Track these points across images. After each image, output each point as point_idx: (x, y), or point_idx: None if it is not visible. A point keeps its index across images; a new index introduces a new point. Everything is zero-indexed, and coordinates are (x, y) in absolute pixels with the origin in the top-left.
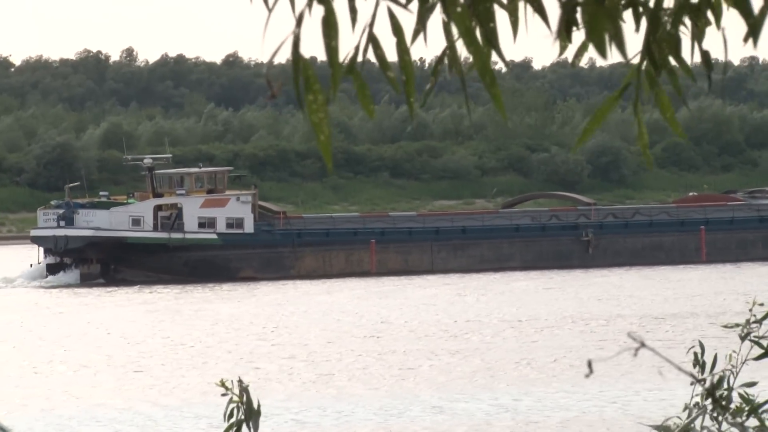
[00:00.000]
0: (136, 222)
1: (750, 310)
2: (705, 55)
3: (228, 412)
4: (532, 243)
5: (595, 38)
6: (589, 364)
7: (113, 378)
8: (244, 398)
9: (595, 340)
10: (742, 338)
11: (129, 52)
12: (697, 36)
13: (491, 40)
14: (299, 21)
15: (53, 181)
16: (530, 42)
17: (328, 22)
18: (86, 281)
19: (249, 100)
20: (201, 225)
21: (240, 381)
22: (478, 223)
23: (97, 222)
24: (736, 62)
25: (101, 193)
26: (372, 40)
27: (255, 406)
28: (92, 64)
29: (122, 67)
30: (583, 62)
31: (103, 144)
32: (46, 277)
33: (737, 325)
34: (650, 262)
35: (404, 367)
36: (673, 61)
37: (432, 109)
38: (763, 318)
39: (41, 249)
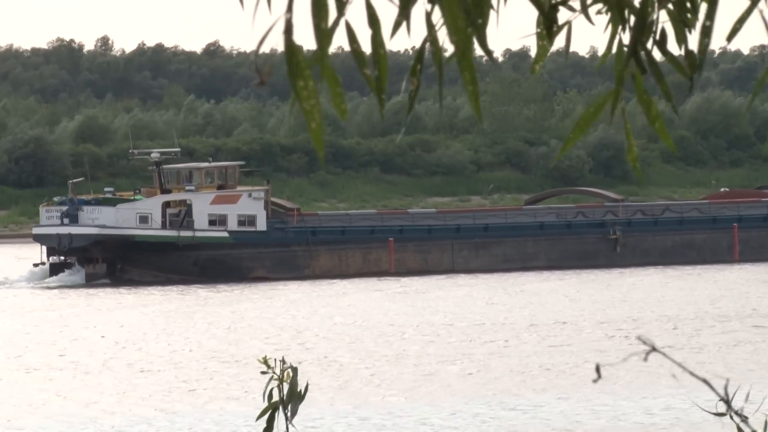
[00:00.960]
0: (144, 219)
1: None
2: (689, 54)
3: (267, 393)
4: (557, 241)
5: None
6: (597, 369)
7: (116, 382)
8: (286, 378)
9: (622, 345)
10: None
11: (104, 41)
12: (682, 36)
13: (478, 29)
14: (290, 5)
15: (25, 177)
16: (528, 30)
17: (318, 4)
18: (91, 281)
19: (231, 91)
20: (211, 222)
21: (283, 360)
22: (501, 220)
23: (102, 219)
24: (745, 51)
25: (106, 189)
26: (348, 32)
27: (299, 388)
28: (65, 53)
29: (97, 57)
30: (584, 51)
31: (77, 138)
32: (50, 277)
33: None
34: (681, 261)
35: (427, 372)
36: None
37: (425, 101)
38: None
39: (44, 248)
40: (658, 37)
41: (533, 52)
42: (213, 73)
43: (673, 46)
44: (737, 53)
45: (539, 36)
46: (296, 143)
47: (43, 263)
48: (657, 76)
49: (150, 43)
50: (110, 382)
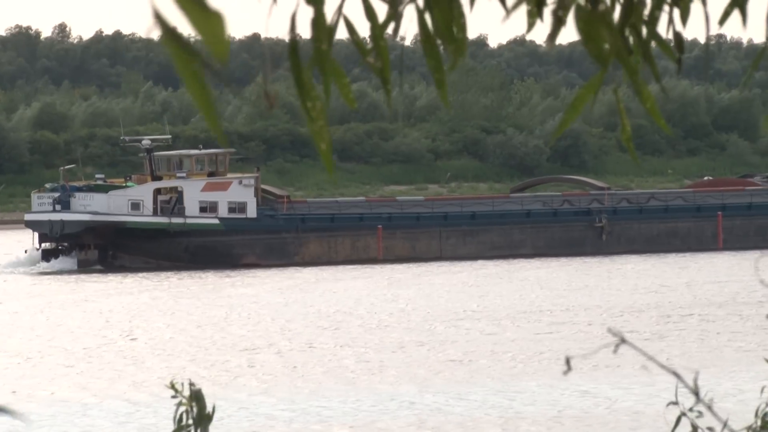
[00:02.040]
0: (136, 206)
1: None
2: (677, 36)
3: (177, 417)
4: (543, 229)
5: (593, 49)
6: (567, 362)
7: (102, 368)
8: (195, 402)
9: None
10: None
11: (62, 29)
12: (673, 17)
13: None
14: (293, 25)
15: None
16: (485, 18)
17: (317, 25)
18: (83, 268)
19: None
20: (202, 209)
21: (191, 383)
22: (488, 208)
23: (94, 206)
24: (702, 40)
25: (97, 175)
26: (347, 25)
27: (206, 410)
28: (23, 40)
29: (55, 44)
30: (541, 40)
31: (35, 125)
32: (41, 263)
33: None
34: (665, 249)
35: (404, 361)
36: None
37: (381, 89)
38: None
39: (35, 234)
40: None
41: (491, 41)
42: (171, 60)
43: (661, 29)
44: (694, 42)
45: (530, 14)
46: (254, 131)
47: (36, 249)
48: (647, 57)
49: (108, 30)
50: (97, 368)
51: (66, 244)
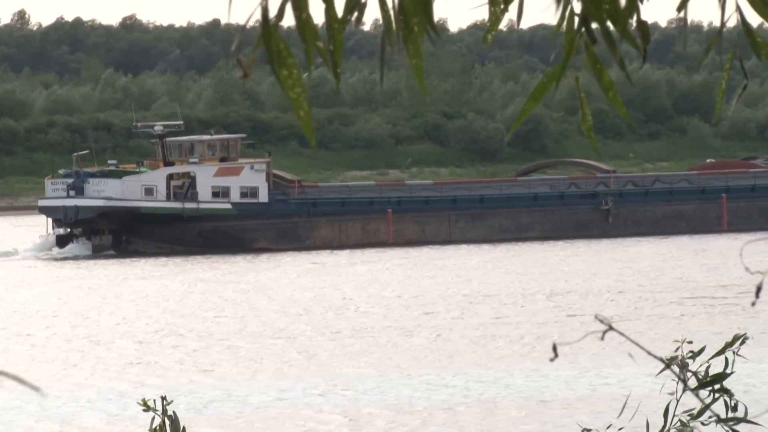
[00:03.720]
0: (149, 191)
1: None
2: (642, 25)
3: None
4: (551, 212)
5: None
6: (554, 348)
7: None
8: (167, 418)
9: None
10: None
11: (21, 15)
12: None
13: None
14: None
15: None
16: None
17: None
18: (98, 253)
19: (149, 65)
20: (215, 194)
21: (164, 399)
22: (496, 192)
23: (108, 191)
24: (663, 24)
25: (110, 161)
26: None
27: (178, 426)
28: None
29: (14, 31)
30: (503, 24)
31: None
32: (55, 248)
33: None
34: (671, 232)
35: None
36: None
37: (342, 74)
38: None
39: (49, 219)
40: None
41: (450, 25)
42: (131, 46)
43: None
44: (654, 26)
45: (493, 2)
46: (214, 117)
47: (49, 234)
48: (610, 45)
49: (68, 17)
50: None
51: (80, 229)
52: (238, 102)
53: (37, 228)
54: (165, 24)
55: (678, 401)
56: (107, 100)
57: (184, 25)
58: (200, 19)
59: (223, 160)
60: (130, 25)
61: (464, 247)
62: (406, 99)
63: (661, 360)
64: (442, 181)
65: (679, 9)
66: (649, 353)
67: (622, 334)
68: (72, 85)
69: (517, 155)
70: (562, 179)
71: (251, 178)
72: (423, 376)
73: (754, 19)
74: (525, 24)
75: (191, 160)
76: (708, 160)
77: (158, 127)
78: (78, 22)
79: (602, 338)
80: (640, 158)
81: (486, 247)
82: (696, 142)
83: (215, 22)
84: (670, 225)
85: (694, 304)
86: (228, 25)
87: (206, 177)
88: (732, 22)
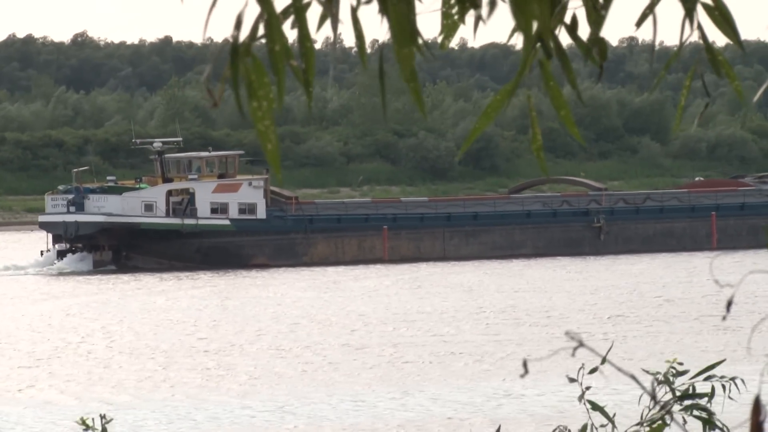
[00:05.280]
0: (149, 207)
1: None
2: (600, 42)
3: None
4: (543, 229)
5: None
6: (525, 364)
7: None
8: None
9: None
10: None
11: None
12: (596, 21)
13: (413, 26)
14: (238, 24)
15: None
16: None
17: (270, 25)
18: (98, 268)
19: (100, 82)
20: (213, 211)
21: (103, 417)
22: (490, 209)
23: (108, 207)
24: (614, 43)
25: (109, 177)
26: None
27: None
28: None
29: None
30: (454, 43)
31: None
32: (56, 262)
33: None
34: (662, 249)
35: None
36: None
37: (293, 92)
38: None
39: (50, 235)
40: (569, 22)
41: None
42: (82, 63)
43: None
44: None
45: (446, 12)
46: (165, 134)
47: (48, 250)
48: (563, 62)
49: (20, 34)
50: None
51: (80, 245)
52: (190, 119)
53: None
54: (116, 41)
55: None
56: (58, 117)
57: (136, 42)
58: (152, 36)
59: (221, 176)
60: (81, 42)
61: (459, 263)
62: (357, 117)
63: (632, 377)
64: (437, 198)
65: (638, 25)
66: (620, 369)
67: (592, 350)
68: (23, 102)
69: (468, 174)
70: (554, 197)
71: (249, 194)
72: (389, 394)
73: (714, 37)
74: (477, 43)
75: (190, 176)
76: (697, 178)
77: (157, 144)
78: (29, 38)
79: (573, 354)
80: (591, 178)
81: (478, 263)
82: (647, 161)
83: (167, 40)
84: (661, 243)
85: (673, 321)
86: (179, 43)
87: (205, 193)
88: (691, 38)
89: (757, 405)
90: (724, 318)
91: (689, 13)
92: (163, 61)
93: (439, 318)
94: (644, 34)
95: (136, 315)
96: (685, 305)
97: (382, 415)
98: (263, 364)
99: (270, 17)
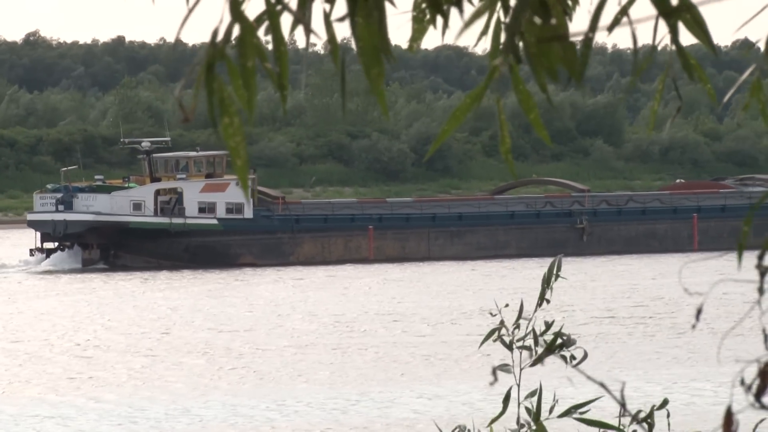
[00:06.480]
0: (137, 207)
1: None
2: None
3: None
4: (527, 230)
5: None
6: (494, 372)
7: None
8: None
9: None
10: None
11: None
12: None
13: (381, 28)
14: (213, 40)
15: None
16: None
17: (243, 42)
18: (87, 267)
19: (52, 82)
20: (201, 210)
21: None
22: (474, 209)
23: (97, 206)
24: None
25: (96, 177)
26: (246, 28)
27: None
28: None
29: None
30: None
31: None
32: (45, 261)
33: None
34: (644, 250)
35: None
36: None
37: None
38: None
39: (38, 234)
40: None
41: (354, 43)
42: (34, 63)
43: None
44: None
45: (417, 16)
46: (118, 135)
47: (38, 249)
48: (533, 66)
49: None
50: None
51: (68, 243)
52: (142, 120)
53: None
54: (69, 41)
55: None
56: (11, 117)
57: (89, 42)
58: (105, 36)
59: (209, 176)
60: (33, 41)
61: (443, 263)
62: (310, 118)
63: (602, 385)
64: (422, 198)
65: (610, 30)
66: (589, 377)
67: (559, 357)
68: None
69: (420, 175)
70: (538, 198)
71: (236, 194)
72: (381, 393)
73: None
74: (429, 44)
75: (179, 176)
76: (678, 180)
77: (146, 144)
78: None
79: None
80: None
81: (462, 263)
82: (599, 163)
83: (119, 40)
84: (643, 244)
85: (646, 324)
86: (132, 43)
87: (193, 193)
88: (663, 41)
89: (728, 415)
90: (693, 326)
91: (673, 29)
92: (116, 61)
93: (420, 319)
94: (597, 37)
95: (123, 313)
96: (660, 307)
97: (369, 415)
98: (246, 363)
99: (244, 32)
